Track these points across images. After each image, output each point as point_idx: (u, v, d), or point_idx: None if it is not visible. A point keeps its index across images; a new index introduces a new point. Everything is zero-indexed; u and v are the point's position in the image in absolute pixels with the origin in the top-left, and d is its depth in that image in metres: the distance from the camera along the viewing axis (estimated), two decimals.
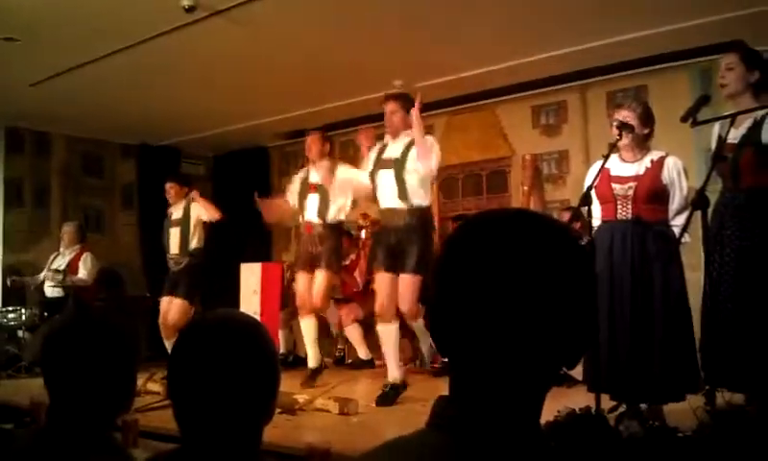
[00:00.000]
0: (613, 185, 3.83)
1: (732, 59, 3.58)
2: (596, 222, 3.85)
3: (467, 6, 5.26)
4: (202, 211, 6.50)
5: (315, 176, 5.84)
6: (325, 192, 5.71)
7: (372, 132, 5.52)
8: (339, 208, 5.76)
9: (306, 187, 5.89)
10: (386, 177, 4.95)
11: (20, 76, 6.48)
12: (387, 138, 5.13)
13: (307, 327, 5.82)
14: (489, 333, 0.87)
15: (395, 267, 4.85)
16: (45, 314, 7.01)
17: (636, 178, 3.82)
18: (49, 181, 8.77)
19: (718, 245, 3.47)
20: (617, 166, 3.86)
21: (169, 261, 6.61)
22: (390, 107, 5.01)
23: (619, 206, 3.84)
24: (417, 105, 4.75)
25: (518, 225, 0.92)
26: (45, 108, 7.53)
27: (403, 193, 4.85)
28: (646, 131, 3.90)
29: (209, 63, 6.32)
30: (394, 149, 4.99)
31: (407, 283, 4.76)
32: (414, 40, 5.90)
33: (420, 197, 4.88)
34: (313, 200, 5.80)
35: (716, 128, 3.70)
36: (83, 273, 7.27)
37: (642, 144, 3.90)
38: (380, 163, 5.02)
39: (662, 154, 3.91)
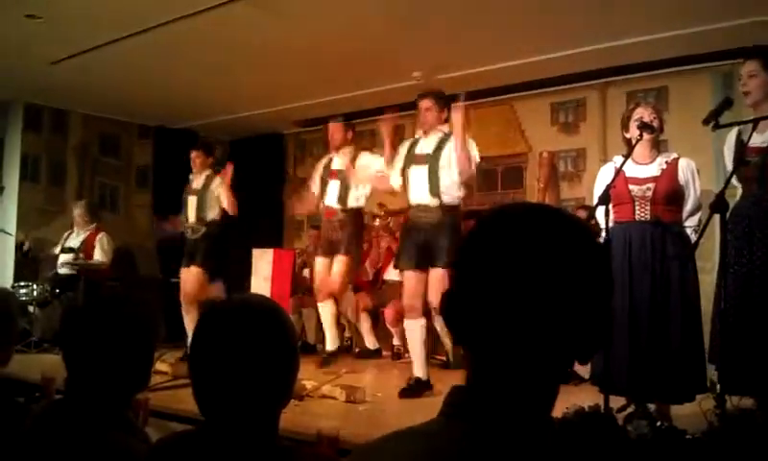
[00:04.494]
0: (631, 187, 3.82)
1: (753, 66, 3.55)
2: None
3: (487, 1, 5.24)
4: (222, 192, 6.41)
5: (337, 162, 5.89)
6: (346, 178, 5.75)
7: (394, 119, 5.46)
8: (359, 195, 5.79)
9: (327, 173, 5.93)
10: (418, 173, 4.92)
11: (41, 53, 6.50)
12: (418, 134, 5.11)
13: (325, 310, 5.87)
14: (505, 324, 0.88)
15: (424, 264, 4.81)
16: (57, 291, 7.04)
17: (653, 179, 3.82)
18: (65, 159, 8.80)
19: (745, 248, 3.44)
20: (632, 168, 3.84)
21: (186, 230, 6.56)
22: (425, 103, 4.99)
23: (637, 207, 3.83)
24: (460, 112, 4.71)
25: (538, 218, 0.92)
26: (65, 86, 7.56)
27: (435, 189, 4.81)
28: (661, 131, 3.93)
29: (230, 48, 6.32)
30: (426, 145, 4.96)
31: (439, 277, 4.69)
32: (433, 32, 5.88)
33: (452, 194, 4.84)
34: (334, 186, 5.83)
35: (733, 133, 3.67)
36: (99, 254, 7.27)
37: (655, 145, 3.92)
38: (412, 159, 5.01)
39: (675, 155, 3.93)
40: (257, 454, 1.32)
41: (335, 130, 5.96)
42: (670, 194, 3.81)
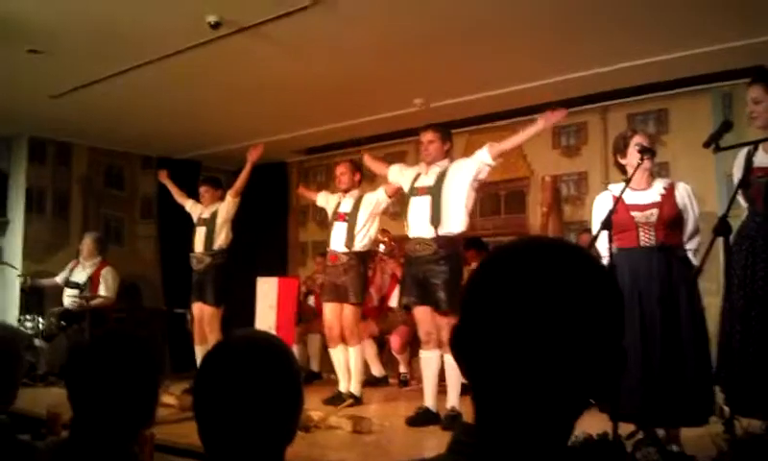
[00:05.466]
0: (633, 213, 3.84)
1: (757, 92, 3.56)
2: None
3: (487, 28, 5.27)
4: (229, 207, 6.53)
5: (346, 205, 5.91)
6: (354, 222, 5.77)
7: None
8: (365, 236, 5.81)
9: (335, 216, 5.95)
10: (420, 204, 4.96)
11: (43, 87, 6.56)
12: (420, 167, 5.16)
13: (337, 355, 5.88)
14: (513, 361, 0.87)
15: (426, 298, 4.84)
16: (63, 324, 7.04)
17: (656, 204, 3.85)
18: (70, 192, 8.83)
19: (749, 269, 3.44)
20: (631, 195, 3.86)
21: (192, 260, 6.60)
22: (428, 136, 5.04)
23: (642, 233, 3.85)
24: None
25: (551, 255, 0.92)
26: (68, 119, 7.61)
27: (436, 219, 4.84)
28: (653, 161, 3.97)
29: (231, 79, 6.36)
30: (427, 178, 5.01)
31: (445, 324, 4.74)
32: (434, 59, 5.91)
33: (453, 224, 4.85)
34: (340, 229, 5.85)
35: (741, 154, 3.67)
36: (104, 290, 7.28)
37: (651, 172, 3.98)
38: (414, 191, 5.05)
39: (670, 180, 4.02)
40: None
41: (342, 173, 6.00)
42: (673, 218, 3.84)
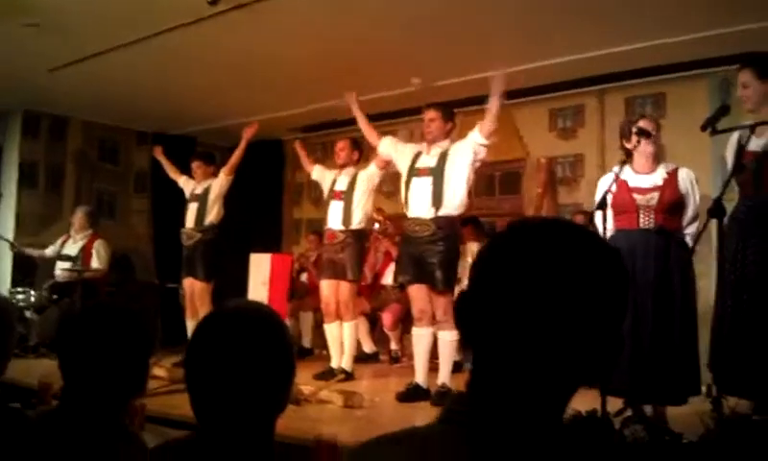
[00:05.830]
0: (635, 196, 3.90)
1: (746, 77, 3.59)
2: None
3: (486, 6, 5.25)
4: (222, 184, 6.57)
5: (341, 183, 5.89)
6: (350, 200, 5.76)
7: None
8: (362, 213, 5.80)
9: (332, 194, 5.94)
10: (420, 185, 4.94)
11: (40, 61, 6.51)
12: (421, 146, 5.13)
13: (332, 331, 5.89)
14: (515, 331, 0.88)
15: (422, 276, 4.84)
16: (54, 297, 7.03)
17: (657, 188, 3.91)
18: (64, 166, 8.80)
19: (740, 252, 3.47)
20: (634, 177, 3.94)
21: (182, 235, 6.65)
22: (429, 114, 5.02)
23: (642, 216, 3.92)
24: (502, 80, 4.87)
25: (563, 233, 0.92)
26: (63, 93, 7.57)
27: (437, 200, 4.83)
28: (660, 143, 4.03)
29: (228, 55, 6.33)
30: (429, 158, 4.98)
31: (441, 303, 4.76)
32: (433, 39, 5.88)
33: (453, 206, 4.85)
34: (337, 207, 5.84)
35: (734, 138, 3.69)
36: (96, 262, 7.28)
37: (655, 157, 4.01)
38: (414, 172, 5.02)
39: (674, 166, 4.04)
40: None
41: (342, 148, 5.98)
42: (673, 203, 3.91)
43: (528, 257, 0.89)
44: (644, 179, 3.94)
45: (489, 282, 0.92)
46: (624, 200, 3.89)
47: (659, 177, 3.93)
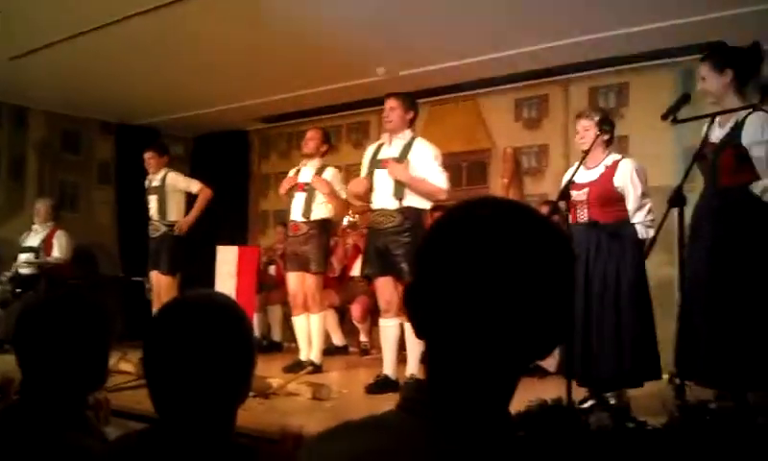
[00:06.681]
0: (572, 192, 3.98)
1: (704, 70, 3.61)
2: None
3: None
4: (179, 180, 6.69)
5: (305, 175, 5.84)
6: (312, 192, 5.72)
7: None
8: (321, 206, 5.75)
9: (295, 186, 5.89)
10: (383, 176, 4.92)
11: (0, 49, 6.37)
12: (383, 137, 5.12)
13: (300, 325, 5.87)
14: (465, 317, 0.87)
15: (387, 269, 4.85)
16: (18, 291, 6.93)
17: (589, 183, 4.02)
18: (26, 156, 8.64)
19: (695, 242, 3.51)
20: (579, 173, 4.03)
21: (150, 226, 6.73)
22: (390, 103, 4.98)
23: (578, 211, 4.07)
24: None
25: (504, 213, 0.92)
26: (24, 82, 7.43)
27: (399, 192, 4.82)
28: (606, 137, 4.07)
29: (190, 44, 6.26)
30: (391, 149, 4.97)
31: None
32: (398, 29, 5.87)
33: (417, 199, 4.86)
34: (299, 199, 5.80)
35: (705, 128, 3.72)
36: (57, 252, 7.23)
37: (603, 150, 4.08)
38: (376, 163, 5.01)
39: (617, 157, 4.09)
40: (213, 452, 1.31)
41: (311, 137, 5.91)
42: (603, 197, 4.01)
43: (468, 240, 0.89)
44: (586, 174, 4.06)
45: (433, 269, 0.91)
46: (567, 196, 3.97)
47: (597, 172, 4.03)
